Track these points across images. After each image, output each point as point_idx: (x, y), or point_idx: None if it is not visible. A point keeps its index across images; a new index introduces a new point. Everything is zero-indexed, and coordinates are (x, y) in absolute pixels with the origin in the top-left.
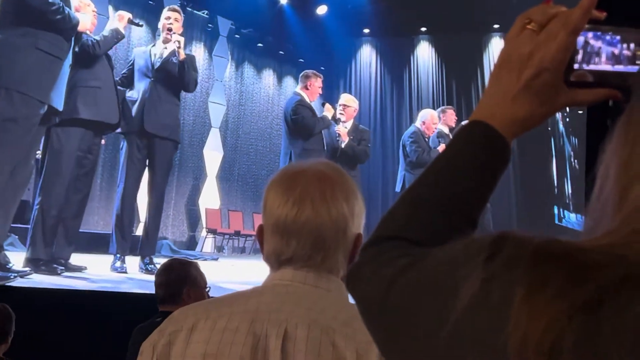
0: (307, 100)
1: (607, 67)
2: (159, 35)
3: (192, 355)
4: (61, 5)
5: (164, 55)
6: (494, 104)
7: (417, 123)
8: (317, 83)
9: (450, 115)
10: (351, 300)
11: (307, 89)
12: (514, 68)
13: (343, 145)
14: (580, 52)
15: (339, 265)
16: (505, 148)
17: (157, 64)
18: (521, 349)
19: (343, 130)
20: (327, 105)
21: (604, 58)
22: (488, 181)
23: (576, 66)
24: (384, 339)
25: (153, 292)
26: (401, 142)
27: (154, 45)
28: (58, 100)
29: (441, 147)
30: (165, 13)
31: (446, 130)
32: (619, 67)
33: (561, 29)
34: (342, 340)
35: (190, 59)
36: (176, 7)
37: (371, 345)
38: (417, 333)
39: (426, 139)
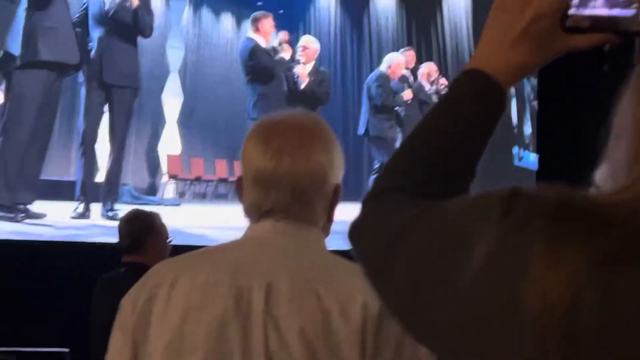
0: (262, 43)
1: (603, 12)
2: None
3: (174, 310)
4: None
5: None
6: (490, 51)
7: (383, 67)
8: (267, 23)
9: (410, 57)
10: (355, 253)
11: (259, 30)
12: (512, 14)
13: (303, 87)
14: None
15: (317, 215)
16: (502, 97)
17: (111, 12)
18: (539, 306)
19: (302, 71)
20: (285, 45)
21: (599, 2)
22: (486, 130)
23: (572, 11)
24: (393, 291)
25: (115, 240)
26: (365, 85)
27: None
28: (14, 45)
29: (406, 93)
30: None
31: (407, 73)
32: (615, 11)
33: None
34: (326, 291)
35: (145, 2)
36: None
37: (354, 295)
38: (426, 288)
39: (391, 83)
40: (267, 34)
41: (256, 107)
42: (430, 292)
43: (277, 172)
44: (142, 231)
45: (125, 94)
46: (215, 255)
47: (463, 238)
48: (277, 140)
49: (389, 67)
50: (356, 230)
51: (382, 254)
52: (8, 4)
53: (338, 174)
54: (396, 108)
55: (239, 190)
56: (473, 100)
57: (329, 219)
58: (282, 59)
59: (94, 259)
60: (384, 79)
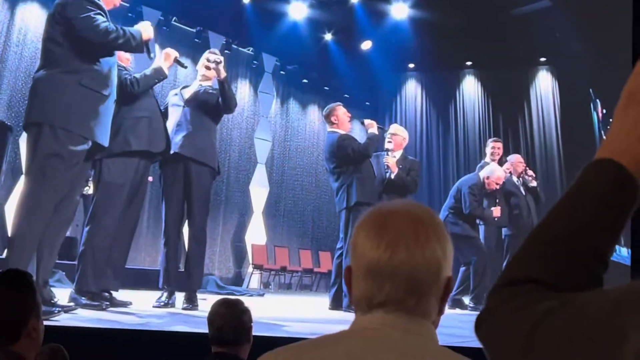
0: (342, 132)
1: None
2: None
3: None
4: (117, 28)
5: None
6: (621, 141)
7: (482, 174)
8: (340, 111)
9: (518, 163)
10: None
11: (336, 122)
12: None
13: (392, 176)
14: None
15: (431, 308)
16: (635, 186)
17: (189, 95)
18: None
19: (392, 160)
20: (368, 121)
21: None
22: (619, 221)
23: None
24: None
25: (196, 330)
26: (457, 186)
27: (187, 86)
28: (103, 136)
29: (495, 210)
30: (206, 55)
31: (514, 179)
32: None
33: None
34: None
35: (228, 80)
36: (216, 50)
37: None
38: None
39: (483, 193)
40: (345, 123)
41: (347, 195)
42: None
43: (392, 264)
44: (246, 324)
45: (202, 173)
46: (323, 346)
47: (615, 329)
48: (391, 231)
49: (488, 177)
50: (485, 322)
51: (518, 348)
52: (99, 95)
53: (450, 266)
54: (478, 221)
55: (347, 280)
56: (608, 192)
57: (440, 312)
58: (371, 136)
59: (177, 349)
60: (478, 187)
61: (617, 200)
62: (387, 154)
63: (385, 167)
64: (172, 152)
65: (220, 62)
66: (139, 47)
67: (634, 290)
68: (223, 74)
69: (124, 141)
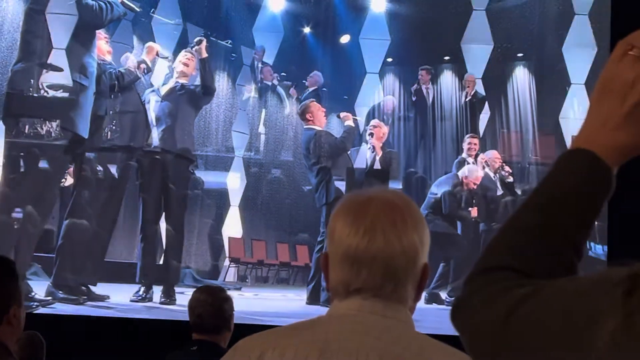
0: (318, 128)
1: None
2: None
3: None
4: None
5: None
6: (595, 131)
7: (461, 174)
8: (314, 108)
9: (495, 159)
10: (459, 332)
11: (311, 119)
12: (616, 95)
13: (377, 158)
14: None
15: (407, 295)
16: (609, 176)
17: (166, 91)
18: None
19: (377, 142)
20: (344, 114)
21: None
22: (592, 210)
23: None
24: None
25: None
26: (437, 185)
27: (165, 84)
28: (83, 128)
29: (473, 211)
30: (183, 53)
31: (491, 175)
32: None
33: None
34: None
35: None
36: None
37: None
38: None
39: (461, 192)
40: (320, 119)
41: (327, 191)
42: None
43: (370, 250)
44: (227, 312)
45: (180, 166)
46: (301, 331)
47: (586, 314)
48: (369, 218)
49: (466, 177)
50: (461, 309)
51: (494, 333)
52: (78, 86)
53: (426, 253)
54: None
55: (324, 266)
56: (582, 181)
57: (416, 298)
58: (348, 129)
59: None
60: (457, 188)
61: (591, 189)
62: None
63: (372, 148)
64: (152, 146)
65: (202, 41)
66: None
67: (605, 276)
68: (204, 54)
69: (106, 135)
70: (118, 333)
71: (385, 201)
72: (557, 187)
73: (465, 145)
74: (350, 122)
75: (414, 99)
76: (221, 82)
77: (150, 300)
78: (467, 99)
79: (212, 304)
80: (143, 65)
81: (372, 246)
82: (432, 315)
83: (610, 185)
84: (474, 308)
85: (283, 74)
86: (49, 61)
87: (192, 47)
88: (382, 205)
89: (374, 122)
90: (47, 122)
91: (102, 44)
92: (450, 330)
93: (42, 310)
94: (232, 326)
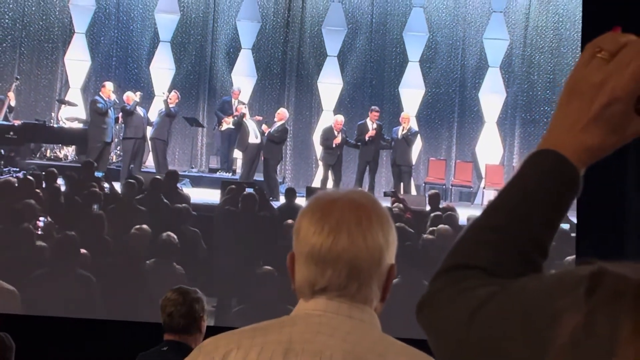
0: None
1: None
2: None
3: None
4: None
5: None
6: (563, 132)
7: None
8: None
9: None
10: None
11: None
12: (584, 97)
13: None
14: None
15: (372, 295)
16: (575, 177)
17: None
18: None
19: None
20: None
21: None
22: (559, 211)
23: None
24: None
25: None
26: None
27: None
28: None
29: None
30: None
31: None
32: None
33: (633, 58)
34: None
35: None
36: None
37: None
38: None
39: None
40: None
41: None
42: None
43: (334, 250)
44: (197, 313)
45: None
46: (266, 331)
47: (548, 312)
48: (334, 217)
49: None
50: (426, 307)
51: (458, 331)
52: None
53: (393, 254)
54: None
55: (290, 265)
56: (549, 182)
57: (382, 298)
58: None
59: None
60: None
61: (558, 190)
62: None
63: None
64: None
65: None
66: None
67: (567, 275)
68: (174, 102)
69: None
70: (89, 333)
71: (351, 201)
72: (524, 188)
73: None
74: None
75: (360, 132)
76: (203, 114)
77: None
78: (403, 133)
79: (183, 303)
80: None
81: (336, 245)
82: None
83: (577, 187)
84: (439, 306)
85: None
86: (66, 98)
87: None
88: (347, 205)
89: (280, 109)
90: (64, 147)
91: (108, 87)
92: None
93: (10, 311)
94: (203, 328)
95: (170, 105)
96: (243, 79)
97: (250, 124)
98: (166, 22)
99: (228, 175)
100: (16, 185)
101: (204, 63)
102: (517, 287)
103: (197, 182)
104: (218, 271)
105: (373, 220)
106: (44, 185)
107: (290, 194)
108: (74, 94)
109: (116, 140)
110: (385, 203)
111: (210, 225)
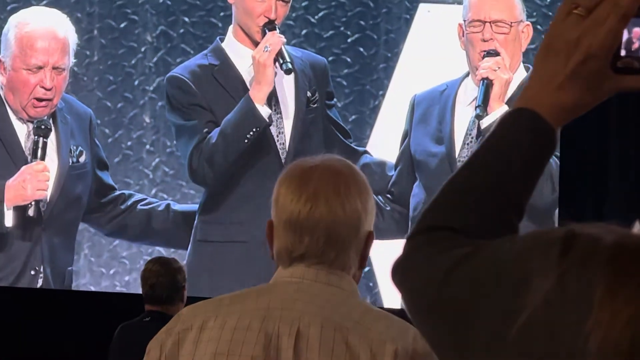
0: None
1: None
2: None
3: (202, 355)
4: None
5: None
6: (539, 90)
7: None
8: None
9: None
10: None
11: None
12: (560, 54)
13: None
14: (628, 37)
15: (350, 262)
16: (552, 135)
17: None
18: (601, 348)
19: None
20: None
21: None
22: (535, 169)
23: (623, 52)
24: (438, 332)
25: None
26: None
27: None
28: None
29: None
30: None
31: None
32: None
33: (610, 14)
34: (356, 339)
35: None
36: None
37: (385, 343)
38: (479, 325)
39: None
40: None
41: None
42: (485, 328)
43: (312, 217)
44: (180, 283)
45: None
46: (244, 299)
47: (520, 274)
48: (312, 185)
49: None
50: (401, 267)
51: (432, 291)
52: None
53: (371, 221)
54: None
55: (269, 233)
56: (525, 140)
57: (361, 266)
58: None
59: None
60: None
61: (533, 149)
62: None
63: None
64: None
65: None
66: None
67: (541, 237)
68: None
69: None
70: (70, 305)
71: (329, 168)
72: (499, 147)
73: None
74: None
75: None
76: None
77: None
78: None
79: (165, 274)
80: None
81: (314, 213)
82: None
83: (553, 145)
84: (414, 267)
85: None
86: None
87: None
88: (326, 172)
89: None
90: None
91: None
92: None
93: None
94: (185, 297)
95: None
96: None
97: None
98: None
99: None
100: None
101: None
102: (491, 248)
103: None
104: None
105: (351, 188)
106: None
107: None
108: None
109: None
110: None
111: None
